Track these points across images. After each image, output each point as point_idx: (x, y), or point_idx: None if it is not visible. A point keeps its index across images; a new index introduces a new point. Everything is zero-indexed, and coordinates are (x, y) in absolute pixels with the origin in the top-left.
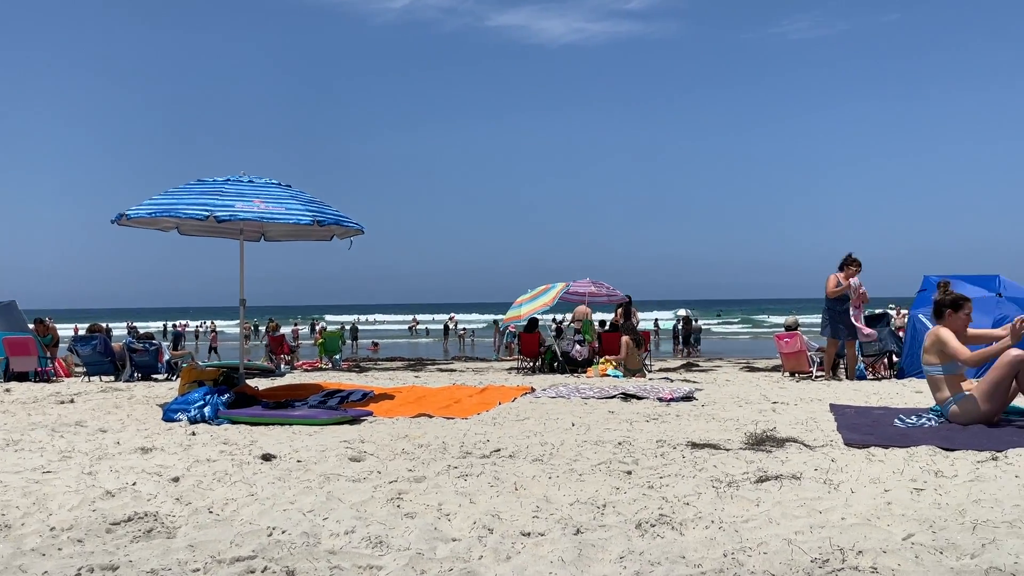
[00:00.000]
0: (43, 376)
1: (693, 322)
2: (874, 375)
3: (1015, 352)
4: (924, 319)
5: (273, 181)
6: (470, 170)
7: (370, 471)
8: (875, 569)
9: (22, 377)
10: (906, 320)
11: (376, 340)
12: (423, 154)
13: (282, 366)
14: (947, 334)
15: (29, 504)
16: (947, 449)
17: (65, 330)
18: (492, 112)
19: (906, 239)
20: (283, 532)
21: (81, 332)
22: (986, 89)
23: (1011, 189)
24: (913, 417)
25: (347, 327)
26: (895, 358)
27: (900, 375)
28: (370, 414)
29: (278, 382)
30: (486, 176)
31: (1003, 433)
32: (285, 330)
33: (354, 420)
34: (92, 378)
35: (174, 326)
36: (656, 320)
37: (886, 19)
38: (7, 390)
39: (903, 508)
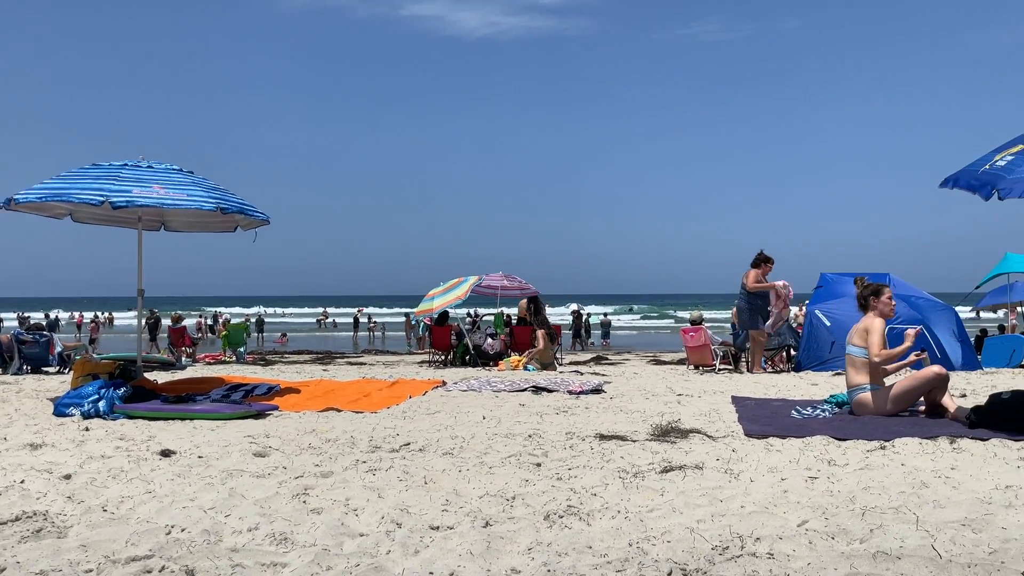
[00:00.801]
0: None
1: (583, 317)
2: (773, 368)
3: (937, 369)
4: (821, 315)
5: (174, 167)
6: (382, 161)
7: (275, 466)
8: (771, 555)
9: None
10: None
11: (285, 332)
12: (333, 143)
13: (183, 359)
14: (878, 325)
15: None
16: (839, 439)
17: None
18: (405, 103)
19: (803, 237)
20: (182, 530)
21: None
22: (877, 94)
23: (900, 190)
24: (809, 408)
25: (252, 319)
26: (793, 352)
27: (797, 368)
28: (276, 408)
29: (179, 375)
30: (398, 167)
31: (890, 423)
32: (189, 322)
33: (259, 414)
34: None
35: (56, 317)
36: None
37: (788, 25)
38: None
39: (798, 496)
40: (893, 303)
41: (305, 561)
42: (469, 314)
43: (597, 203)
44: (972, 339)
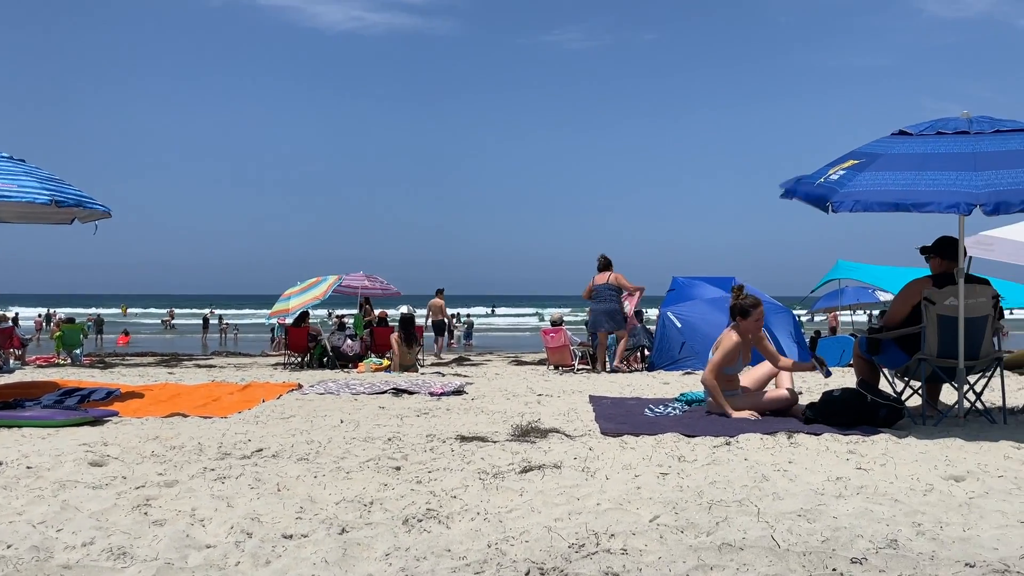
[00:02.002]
0: None
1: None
2: (628, 368)
3: (787, 397)
4: (672, 316)
5: (3, 154)
6: (235, 153)
7: (114, 476)
8: (625, 550)
9: None
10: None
11: (127, 331)
12: (184, 135)
13: (11, 361)
14: (728, 344)
15: None
16: (689, 435)
17: None
18: (261, 95)
19: (655, 242)
20: (8, 547)
21: None
22: (726, 108)
23: (745, 196)
24: (661, 407)
25: (90, 319)
26: (647, 352)
27: (651, 368)
28: (116, 414)
29: (5, 379)
30: (252, 161)
31: (737, 421)
32: (27, 322)
33: (96, 421)
34: None
35: None
36: (458, 313)
37: (646, 37)
38: None
39: (650, 492)
40: (759, 324)
41: None
42: (330, 313)
43: (459, 204)
44: (807, 340)
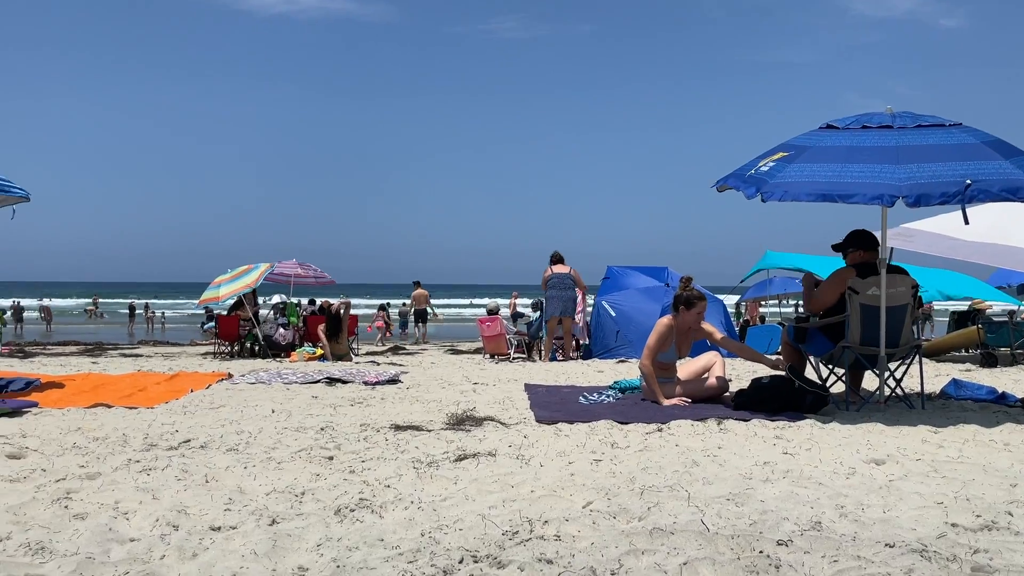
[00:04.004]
0: None
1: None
2: (564, 355)
3: (717, 385)
4: (607, 306)
5: None
6: (160, 136)
7: (32, 469)
8: (559, 536)
9: None
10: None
11: (46, 307)
12: (104, 117)
13: None
14: (661, 328)
15: None
16: (622, 422)
17: None
18: (184, 76)
19: (588, 230)
20: None
21: None
22: (658, 100)
23: (678, 187)
24: (595, 394)
25: (10, 307)
26: (584, 340)
27: (586, 356)
28: (35, 404)
29: None
30: (180, 146)
31: (668, 408)
32: None
33: (14, 412)
34: None
35: None
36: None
37: (581, 29)
38: None
39: (584, 479)
40: (700, 318)
41: (66, 571)
42: (277, 301)
43: (392, 193)
44: (738, 329)
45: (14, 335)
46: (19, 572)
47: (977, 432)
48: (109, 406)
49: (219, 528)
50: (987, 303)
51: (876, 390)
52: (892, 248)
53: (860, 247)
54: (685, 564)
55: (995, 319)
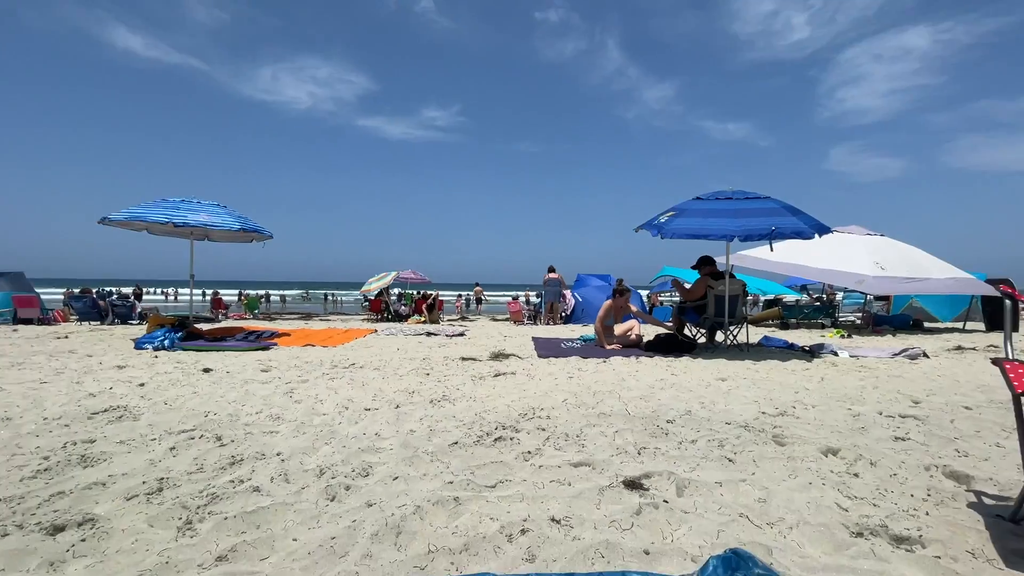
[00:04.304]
0: (45, 321)
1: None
2: (554, 322)
3: (636, 339)
4: (578, 295)
5: (215, 202)
6: (316, 205)
7: (273, 377)
8: (549, 417)
9: (27, 322)
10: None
11: (283, 295)
12: (281, 195)
13: (219, 316)
14: (604, 306)
15: (28, 404)
16: (584, 358)
17: (52, 295)
18: (328, 174)
19: (568, 251)
20: (215, 414)
21: (75, 292)
22: (607, 175)
23: (616, 223)
24: (570, 343)
25: (262, 294)
26: (564, 314)
27: (567, 322)
28: (276, 345)
29: (216, 325)
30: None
31: (610, 351)
32: (230, 297)
33: (265, 348)
34: (83, 323)
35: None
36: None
37: (565, 146)
38: (15, 330)
39: (563, 387)
40: (627, 302)
41: (290, 429)
42: (394, 290)
43: (459, 232)
44: (648, 308)
45: (266, 309)
46: (266, 429)
47: (777, 364)
48: (313, 345)
49: (369, 409)
50: (784, 295)
51: (722, 341)
52: (732, 264)
53: (707, 264)
54: (616, 432)
55: (787, 304)
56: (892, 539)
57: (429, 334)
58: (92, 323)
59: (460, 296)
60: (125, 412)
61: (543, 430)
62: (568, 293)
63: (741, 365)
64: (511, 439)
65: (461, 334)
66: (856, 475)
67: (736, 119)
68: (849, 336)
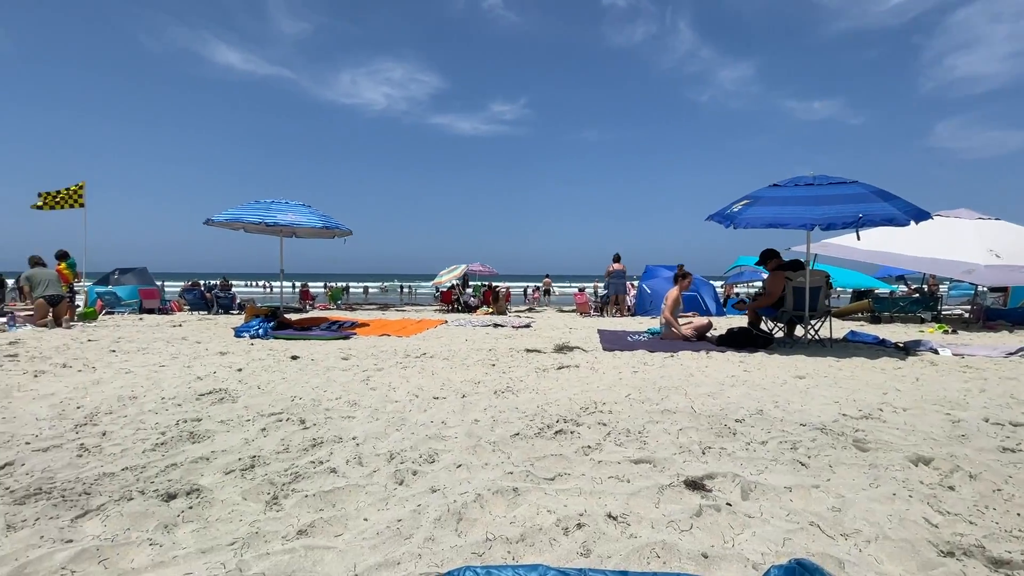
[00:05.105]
0: (164, 311)
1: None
2: (621, 314)
3: (708, 320)
4: (646, 287)
5: (301, 202)
6: (386, 207)
7: (352, 365)
8: (611, 412)
9: (150, 311)
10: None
11: (366, 286)
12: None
13: (307, 307)
14: (674, 294)
15: (150, 385)
16: (651, 351)
17: (173, 287)
18: (418, 173)
19: (635, 239)
20: (300, 399)
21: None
22: (684, 167)
23: (692, 215)
24: (637, 335)
25: (344, 286)
26: (631, 302)
27: (634, 315)
28: (355, 334)
29: (304, 316)
30: (394, 209)
31: (678, 344)
32: (317, 290)
33: (346, 337)
34: (194, 312)
35: (214, 284)
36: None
37: (634, 134)
38: (141, 319)
39: (627, 381)
40: (688, 285)
41: (365, 414)
42: (460, 282)
43: (535, 223)
44: (722, 300)
45: (347, 300)
46: (344, 413)
47: (864, 361)
48: (389, 335)
49: (437, 398)
50: (876, 288)
51: (803, 335)
52: (816, 254)
53: (773, 258)
54: (680, 430)
55: (880, 296)
56: (989, 561)
57: (496, 325)
58: (200, 313)
59: (538, 288)
60: (225, 394)
61: (604, 425)
62: (632, 284)
63: (822, 362)
64: (572, 433)
65: (527, 325)
66: (951, 488)
67: (823, 96)
68: (954, 332)
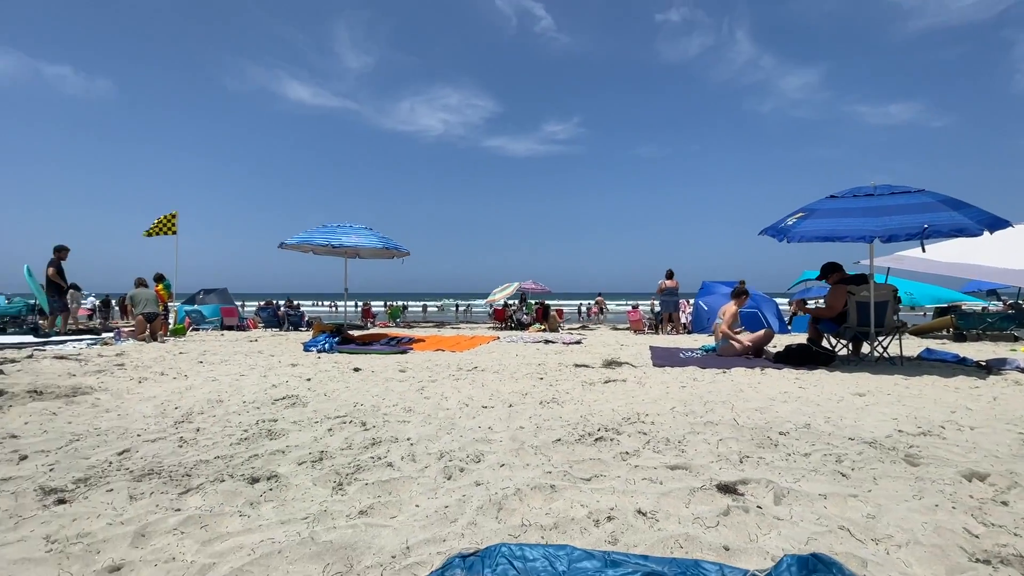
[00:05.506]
0: (242, 328)
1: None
2: (676, 332)
3: (766, 332)
4: (702, 303)
5: (363, 225)
6: (439, 227)
7: (408, 377)
8: (653, 423)
9: (230, 328)
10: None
11: (425, 304)
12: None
13: (368, 324)
14: (732, 309)
15: (232, 391)
16: (702, 367)
17: (249, 306)
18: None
19: (691, 256)
20: (361, 405)
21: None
22: (740, 184)
23: (748, 231)
24: (689, 352)
25: (402, 305)
26: (685, 319)
27: (689, 332)
28: (411, 349)
29: (365, 332)
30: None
31: (732, 361)
32: (377, 308)
33: (403, 352)
34: (267, 329)
35: (284, 303)
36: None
37: (691, 148)
38: (222, 334)
39: (673, 395)
40: (745, 302)
41: (419, 419)
42: (514, 300)
43: (585, 242)
44: (789, 318)
45: (405, 317)
46: (401, 418)
47: (936, 379)
48: (443, 351)
49: (486, 407)
50: (963, 303)
51: (870, 352)
52: (888, 268)
53: (834, 271)
54: (720, 440)
55: (965, 312)
56: None
57: (547, 342)
58: (272, 329)
59: (595, 303)
60: (297, 400)
61: (644, 434)
62: (687, 301)
63: (888, 380)
64: (611, 440)
65: (578, 342)
66: (1004, 503)
67: (900, 99)
68: None
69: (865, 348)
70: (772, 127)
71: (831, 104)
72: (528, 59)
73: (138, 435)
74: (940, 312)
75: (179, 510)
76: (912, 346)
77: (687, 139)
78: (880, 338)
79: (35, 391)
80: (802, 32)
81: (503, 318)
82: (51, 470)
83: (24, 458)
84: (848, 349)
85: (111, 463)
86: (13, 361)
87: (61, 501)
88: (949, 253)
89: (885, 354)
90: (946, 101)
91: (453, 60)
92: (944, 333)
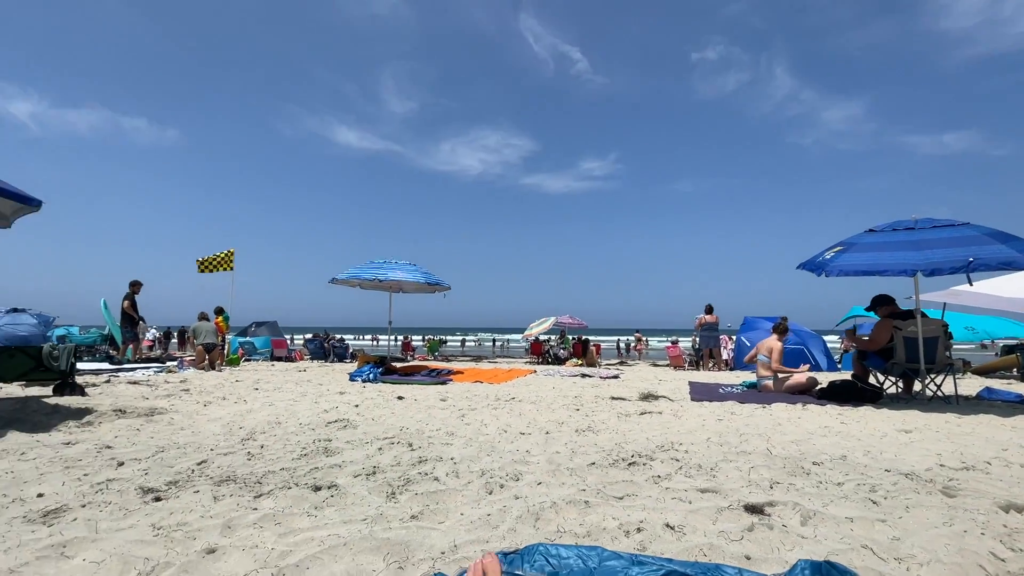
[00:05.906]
0: (290, 359)
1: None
2: (718, 368)
3: (806, 381)
4: (744, 339)
5: (407, 261)
6: (467, 258)
7: (449, 405)
8: (686, 451)
9: (279, 359)
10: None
11: (463, 339)
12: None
13: (408, 357)
14: (779, 346)
15: (289, 415)
16: (741, 402)
17: (297, 338)
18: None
19: (733, 292)
20: (407, 428)
21: (308, 337)
22: (779, 219)
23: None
24: (729, 387)
25: (441, 339)
26: (727, 355)
27: (732, 369)
28: (451, 380)
29: (407, 364)
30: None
31: (771, 397)
32: (417, 342)
33: (443, 383)
34: (314, 360)
35: (329, 337)
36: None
37: (732, 183)
38: (272, 365)
39: (709, 427)
40: (787, 337)
41: (461, 442)
42: (552, 336)
43: (622, 282)
44: (839, 356)
45: (444, 351)
46: (444, 441)
47: (992, 418)
48: (482, 383)
49: (523, 433)
50: None
51: (921, 390)
52: (945, 303)
53: (885, 304)
54: (752, 468)
55: None
56: None
57: (584, 375)
58: (319, 360)
59: (640, 339)
60: (347, 423)
61: (677, 460)
62: (729, 337)
63: (938, 418)
64: (645, 465)
65: (616, 376)
66: None
67: (955, 128)
68: None
69: (917, 386)
70: (815, 159)
71: (878, 135)
72: (565, 100)
73: (211, 449)
74: (1008, 351)
75: (256, 509)
76: (973, 385)
77: (727, 173)
78: (932, 375)
79: (119, 410)
80: (843, 65)
81: (540, 352)
82: (146, 474)
83: (121, 464)
84: (898, 387)
85: (193, 471)
86: (94, 385)
87: (158, 499)
88: (1013, 288)
89: (939, 392)
90: (1006, 128)
91: (492, 103)
92: (1011, 373)
